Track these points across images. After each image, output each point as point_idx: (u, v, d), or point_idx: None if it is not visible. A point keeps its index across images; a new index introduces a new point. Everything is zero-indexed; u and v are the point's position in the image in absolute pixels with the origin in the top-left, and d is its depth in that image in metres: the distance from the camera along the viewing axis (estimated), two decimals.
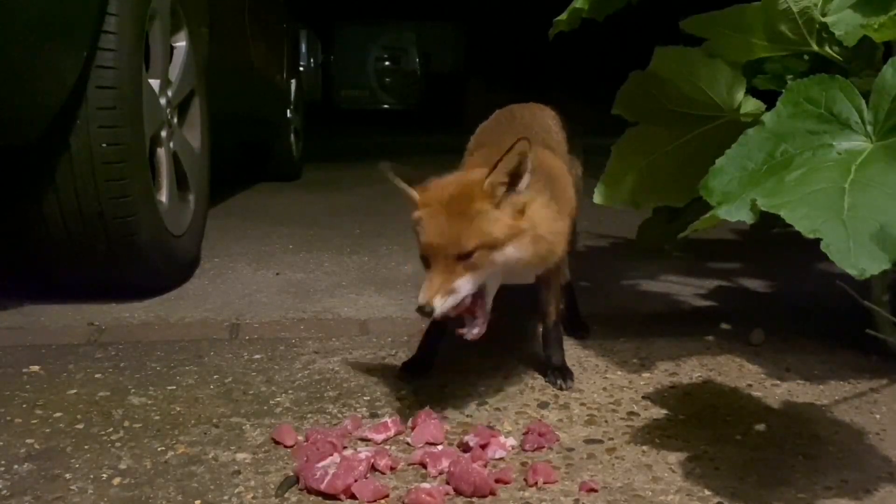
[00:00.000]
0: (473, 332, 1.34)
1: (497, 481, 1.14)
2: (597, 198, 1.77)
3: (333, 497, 1.10)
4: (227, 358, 1.70)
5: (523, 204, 1.32)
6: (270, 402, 1.46)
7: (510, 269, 1.35)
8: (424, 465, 1.19)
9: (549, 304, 1.58)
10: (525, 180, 1.31)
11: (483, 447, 1.23)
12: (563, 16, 1.73)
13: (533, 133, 1.62)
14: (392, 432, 1.30)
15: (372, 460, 1.18)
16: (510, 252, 1.31)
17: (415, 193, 1.35)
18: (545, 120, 1.75)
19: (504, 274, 1.36)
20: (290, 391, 1.51)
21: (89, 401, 1.45)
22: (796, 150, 1.21)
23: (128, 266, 2.07)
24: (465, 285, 1.28)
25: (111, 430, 1.32)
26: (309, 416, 1.39)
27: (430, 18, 17.15)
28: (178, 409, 1.42)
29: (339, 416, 1.39)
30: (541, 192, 1.38)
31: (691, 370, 1.66)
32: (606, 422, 1.38)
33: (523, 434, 1.30)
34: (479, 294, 1.31)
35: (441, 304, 1.25)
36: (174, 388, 1.52)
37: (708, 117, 1.63)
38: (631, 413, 1.42)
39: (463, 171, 1.42)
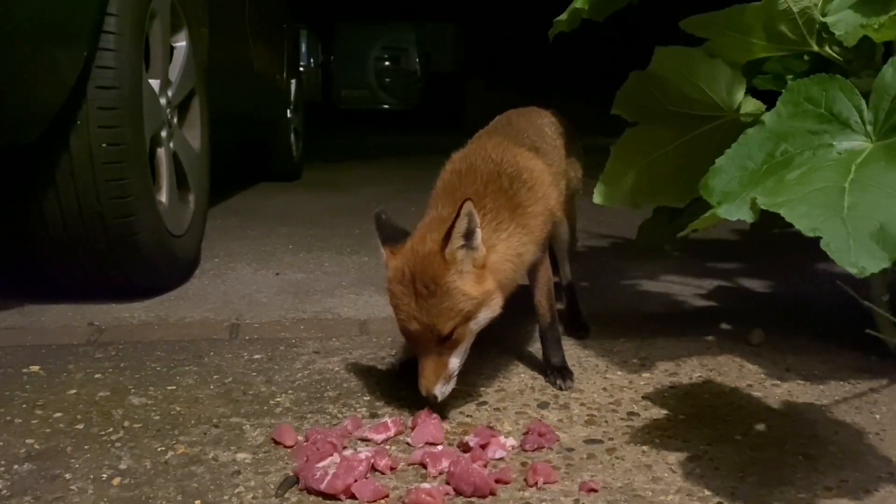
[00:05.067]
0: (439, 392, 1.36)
1: (497, 481, 1.14)
2: (597, 198, 1.77)
3: (333, 497, 1.10)
4: (227, 358, 1.70)
5: (483, 258, 1.34)
6: (270, 402, 1.46)
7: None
8: (424, 465, 1.19)
9: (541, 305, 1.59)
10: (477, 236, 1.32)
11: (483, 447, 1.23)
12: (564, 16, 1.73)
13: (526, 138, 1.63)
14: (392, 432, 1.30)
15: (372, 460, 1.18)
16: (483, 317, 1.35)
17: (386, 256, 1.40)
18: (542, 126, 1.76)
19: None
20: (290, 391, 1.51)
21: (89, 401, 1.45)
22: (796, 150, 1.21)
23: (128, 266, 2.07)
24: (456, 363, 1.35)
25: (111, 430, 1.32)
26: (309, 416, 1.39)
27: (430, 18, 17.15)
28: (178, 409, 1.42)
29: (339, 416, 1.39)
30: (498, 229, 1.39)
31: (691, 370, 1.66)
32: (606, 422, 1.38)
33: (523, 434, 1.30)
34: None
35: (442, 391, 1.33)
36: (174, 388, 1.52)
37: (708, 117, 1.63)
38: (631, 413, 1.42)
39: (427, 225, 1.40)
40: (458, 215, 1.28)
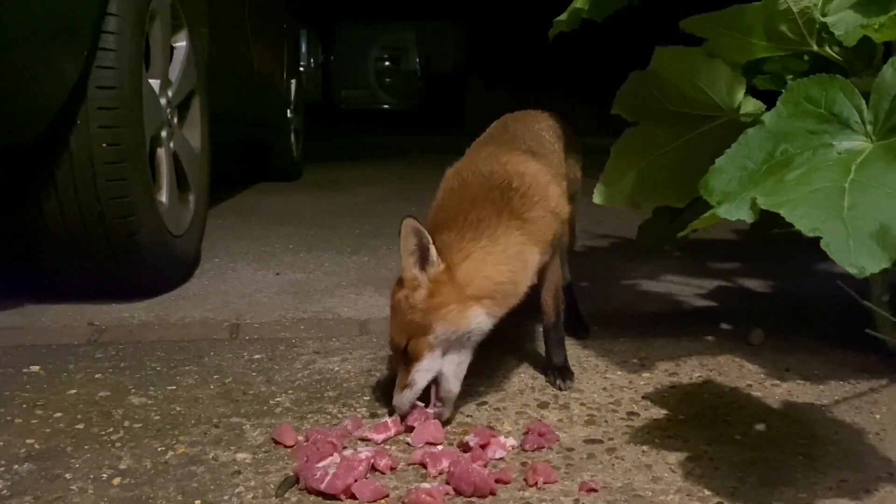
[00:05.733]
0: (430, 412, 1.34)
1: (497, 481, 1.14)
2: (596, 198, 1.77)
3: (333, 497, 1.10)
4: (227, 358, 1.70)
5: (442, 272, 1.32)
6: (270, 402, 1.46)
7: (468, 340, 1.35)
8: (424, 465, 1.19)
9: (546, 304, 1.58)
10: (432, 252, 1.31)
11: (483, 447, 1.23)
12: (563, 16, 1.73)
13: (522, 143, 1.62)
14: (392, 432, 1.30)
15: (372, 460, 1.18)
16: (441, 331, 1.31)
17: None
18: (538, 130, 1.74)
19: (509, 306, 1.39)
20: (290, 391, 1.51)
21: (89, 401, 1.45)
22: (796, 150, 1.21)
23: (128, 266, 2.07)
24: (417, 378, 1.32)
25: (111, 430, 1.32)
26: (309, 416, 1.40)
27: (430, 18, 17.17)
28: (178, 409, 1.42)
29: (339, 416, 1.39)
30: (477, 238, 1.37)
31: (691, 370, 1.66)
32: (606, 422, 1.38)
33: (523, 434, 1.30)
34: (436, 380, 1.34)
35: (399, 400, 1.33)
36: (174, 388, 1.52)
37: (708, 117, 1.63)
38: (631, 413, 1.42)
39: None
40: (399, 233, 1.31)
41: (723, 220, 1.19)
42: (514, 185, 1.44)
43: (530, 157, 1.55)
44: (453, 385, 1.35)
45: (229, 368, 1.63)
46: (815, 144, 1.20)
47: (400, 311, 1.34)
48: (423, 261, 1.32)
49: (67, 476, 1.16)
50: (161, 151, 2.26)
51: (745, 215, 1.15)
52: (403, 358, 1.33)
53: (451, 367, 1.35)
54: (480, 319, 1.35)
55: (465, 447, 1.25)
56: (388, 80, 17.32)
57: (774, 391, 1.54)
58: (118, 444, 1.27)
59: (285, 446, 1.26)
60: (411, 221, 1.30)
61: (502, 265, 1.38)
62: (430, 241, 1.31)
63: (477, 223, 1.38)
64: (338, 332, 1.90)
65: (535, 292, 1.57)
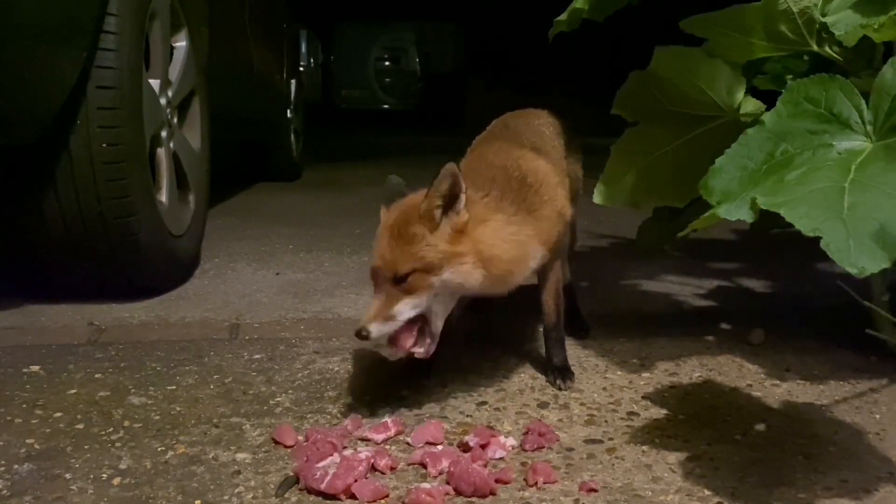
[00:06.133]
0: (420, 350, 1.37)
1: (497, 481, 1.14)
2: (597, 198, 1.77)
3: (333, 497, 1.10)
4: (227, 358, 1.70)
5: (463, 224, 1.34)
6: (270, 402, 1.46)
7: (458, 292, 1.38)
8: (424, 465, 1.19)
9: (547, 305, 1.59)
10: (461, 200, 1.33)
11: (483, 447, 1.23)
12: (563, 16, 1.73)
13: (525, 140, 1.62)
14: (392, 432, 1.30)
15: (372, 460, 1.18)
16: (448, 277, 1.33)
17: (382, 212, 1.42)
18: (539, 127, 1.75)
19: (484, 287, 1.39)
20: (290, 391, 1.51)
21: (89, 401, 1.45)
22: (796, 150, 1.21)
23: (128, 266, 2.07)
24: (403, 310, 1.32)
25: (111, 430, 1.32)
26: (309, 416, 1.40)
27: (430, 18, 17.15)
28: (178, 409, 1.42)
29: (339, 416, 1.39)
30: (497, 211, 1.39)
31: (691, 370, 1.66)
32: (606, 422, 1.38)
33: (523, 434, 1.30)
34: (425, 317, 1.35)
35: (377, 329, 1.31)
36: (174, 388, 1.52)
37: (708, 117, 1.63)
38: (631, 413, 1.42)
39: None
40: (439, 173, 1.31)
41: (723, 220, 1.19)
42: (528, 180, 1.46)
43: (539, 155, 1.56)
44: (440, 324, 1.37)
45: (229, 368, 1.63)
46: (815, 144, 1.21)
47: (412, 242, 1.32)
48: (448, 207, 1.33)
49: (67, 476, 1.16)
50: (161, 151, 2.26)
51: (745, 215, 1.15)
52: (392, 286, 1.32)
53: (440, 308, 1.36)
54: (479, 284, 1.36)
55: (465, 447, 1.25)
56: (388, 80, 17.31)
57: (774, 391, 1.54)
58: (118, 444, 1.27)
59: (285, 446, 1.26)
60: (453, 166, 1.31)
61: (507, 242, 1.39)
62: (464, 191, 1.33)
63: (501, 197, 1.41)
64: (338, 332, 1.90)
65: (533, 292, 1.57)
